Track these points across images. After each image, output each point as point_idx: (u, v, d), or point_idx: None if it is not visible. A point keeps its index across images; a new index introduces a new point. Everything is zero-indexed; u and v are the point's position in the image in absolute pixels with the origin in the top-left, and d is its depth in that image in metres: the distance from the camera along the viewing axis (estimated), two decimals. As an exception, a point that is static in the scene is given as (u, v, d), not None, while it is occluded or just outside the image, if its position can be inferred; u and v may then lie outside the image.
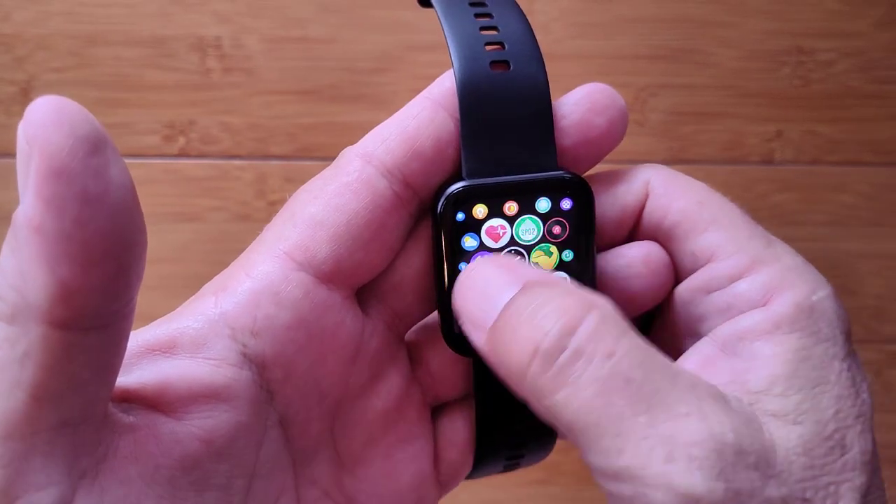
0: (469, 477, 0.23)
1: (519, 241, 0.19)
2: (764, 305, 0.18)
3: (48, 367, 0.13)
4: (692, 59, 0.50)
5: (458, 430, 0.21)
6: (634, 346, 0.15)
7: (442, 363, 0.20)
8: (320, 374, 0.18)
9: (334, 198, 0.18)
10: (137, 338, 0.17)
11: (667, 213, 0.20)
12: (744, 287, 0.18)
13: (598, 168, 0.21)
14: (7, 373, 0.13)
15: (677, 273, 0.20)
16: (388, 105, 0.49)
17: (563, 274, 0.20)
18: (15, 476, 0.14)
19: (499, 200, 0.19)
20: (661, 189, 0.20)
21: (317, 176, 0.19)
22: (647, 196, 0.20)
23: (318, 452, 0.19)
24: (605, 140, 0.19)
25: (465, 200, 0.18)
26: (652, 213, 0.20)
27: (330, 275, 0.18)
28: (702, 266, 0.19)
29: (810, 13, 0.50)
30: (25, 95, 0.49)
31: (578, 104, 0.19)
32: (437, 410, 0.21)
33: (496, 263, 0.18)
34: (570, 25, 0.47)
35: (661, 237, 0.20)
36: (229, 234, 0.50)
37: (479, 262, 0.18)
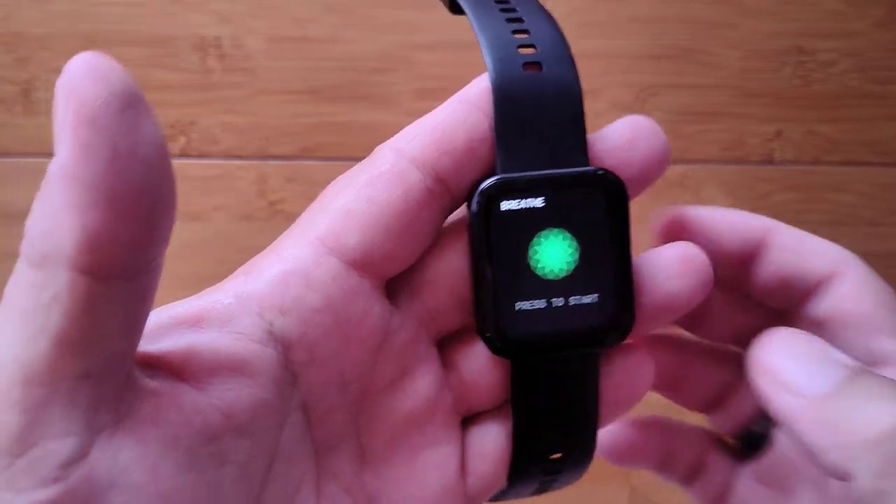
0: (503, 496, 0.22)
1: (550, 238, 0.19)
2: None
3: (73, 314, 0.14)
4: (693, 59, 0.50)
5: (489, 442, 0.21)
6: None
7: (475, 370, 0.20)
8: (345, 361, 0.18)
9: (366, 188, 0.18)
10: (166, 311, 0.17)
11: (852, 307, 0.21)
12: None
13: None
14: (33, 319, 0.14)
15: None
16: (390, 105, 0.49)
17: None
18: (33, 422, 0.14)
19: (531, 194, 0.19)
20: (853, 284, 0.21)
21: (349, 169, 0.19)
22: (833, 276, 0.21)
23: (341, 445, 0.19)
24: (648, 166, 0.20)
25: (498, 195, 0.19)
26: (836, 299, 0.21)
27: (360, 262, 0.18)
28: (875, 366, 0.20)
29: (811, 13, 0.50)
30: (27, 96, 0.49)
31: (622, 131, 0.20)
32: (467, 420, 0.21)
33: (811, 339, 0.19)
34: (574, 25, 0.47)
35: (832, 323, 0.21)
36: (231, 233, 0.50)
37: (791, 332, 0.19)
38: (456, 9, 0.22)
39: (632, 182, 0.20)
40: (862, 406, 0.17)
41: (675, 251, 0.20)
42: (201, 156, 0.50)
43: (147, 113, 0.14)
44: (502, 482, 0.21)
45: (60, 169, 0.13)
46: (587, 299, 0.19)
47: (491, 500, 0.22)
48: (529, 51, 0.19)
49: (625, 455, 0.25)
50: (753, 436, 0.23)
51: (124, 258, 0.14)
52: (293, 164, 0.50)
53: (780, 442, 0.22)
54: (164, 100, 0.49)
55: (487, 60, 0.19)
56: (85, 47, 0.50)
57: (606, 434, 0.25)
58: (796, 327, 0.21)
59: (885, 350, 0.20)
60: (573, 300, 0.19)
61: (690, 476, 0.25)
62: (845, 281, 0.21)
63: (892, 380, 0.18)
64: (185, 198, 0.50)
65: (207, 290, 0.18)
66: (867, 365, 0.20)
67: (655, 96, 0.50)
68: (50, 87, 0.50)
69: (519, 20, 0.20)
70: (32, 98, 0.50)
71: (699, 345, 0.25)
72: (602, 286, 0.19)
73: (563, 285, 0.19)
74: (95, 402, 0.14)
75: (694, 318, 0.24)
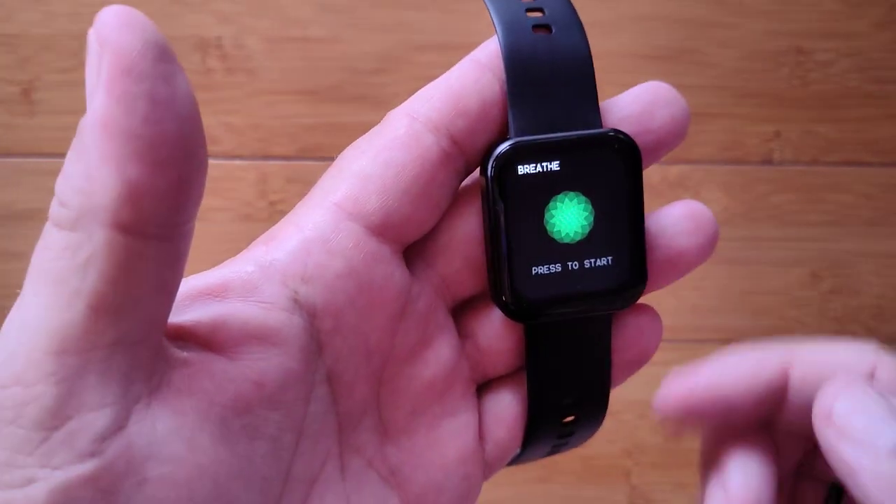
0: (517, 460, 0.22)
1: (565, 201, 0.19)
2: None
3: (110, 275, 0.13)
4: (692, 59, 0.50)
5: (505, 407, 0.21)
6: None
7: (490, 337, 0.20)
8: (368, 329, 0.18)
9: (382, 151, 0.18)
10: (189, 283, 0.17)
11: None
12: None
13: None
14: (67, 284, 0.13)
15: None
16: (389, 105, 0.49)
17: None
18: (68, 394, 0.13)
19: (547, 158, 0.19)
20: (889, 381, 0.20)
21: (363, 135, 0.20)
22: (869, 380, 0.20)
23: (364, 419, 0.19)
24: (667, 133, 0.20)
25: (514, 158, 0.19)
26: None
27: (380, 227, 0.18)
28: None
29: (809, 13, 0.50)
30: (28, 96, 0.49)
31: (641, 97, 0.20)
32: (483, 387, 0.21)
33: (876, 393, 0.18)
34: (570, 26, 0.48)
35: None
36: (232, 234, 0.50)
37: (858, 383, 0.19)
38: None
39: (648, 149, 0.20)
40: None
41: (682, 209, 0.20)
42: (202, 156, 0.50)
43: (179, 66, 0.14)
44: (518, 446, 0.21)
45: (97, 122, 0.13)
46: (602, 261, 0.19)
47: (507, 464, 0.22)
48: (537, 14, 0.20)
49: None
50: (836, 489, 0.23)
51: (162, 215, 0.14)
52: (294, 165, 0.50)
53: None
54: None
55: (497, 23, 0.19)
56: (85, 48, 0.50)
57: None
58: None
59: None
60: (588, 262, 0.19)
61: None
62: (882, 377, 0.20)
63: None
64: (186, 198, 0.50)
65: (227, 261, 0.18)
66: None
67: (655, 96, 0.50)
68: (50, 87, 0.50)
69: None
70: (33, 98, 0.50)
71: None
72: (616, 248, 0.19)
73: (579, 248, 0.19)
74: (130, 370, 0.14)
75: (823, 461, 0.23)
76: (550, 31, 0.19)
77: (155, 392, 0.15)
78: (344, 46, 0.49)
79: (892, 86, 0.51)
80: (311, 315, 0.17)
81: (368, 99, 0.49)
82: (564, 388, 0.21)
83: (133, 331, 0.14)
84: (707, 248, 0.20)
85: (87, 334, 0.14)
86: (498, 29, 0.19)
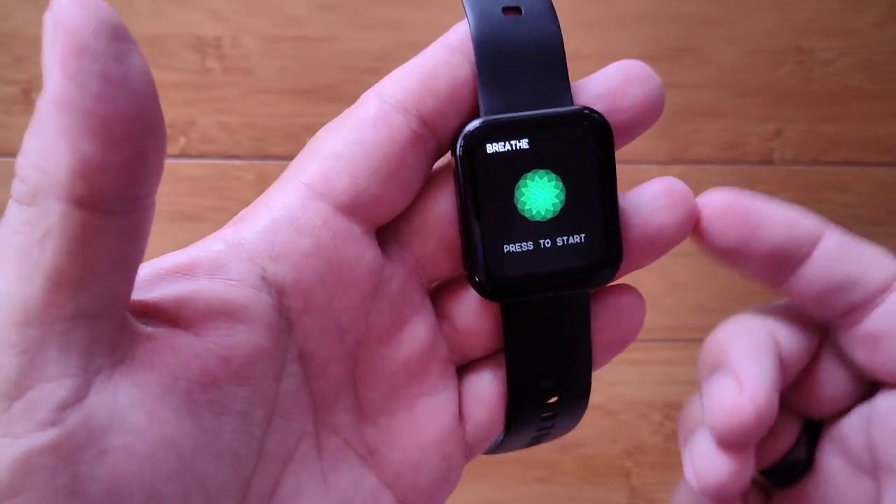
0: (500, 447, 0.22)
1: (535, 179, 0.19)
2: None
3: (67, 248, 0.14)
4: (692, 58, 0.50)
5: (485, 388, 0.21)
6: None
7: (468, 318, 0.20)
8: (340, 307, 0.18)
9: (352, 132, 0.19)
10: (156, 263, 0.17)
11: None
12: None
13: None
14: (26, 258, 0.14)
15: None
16: (387, 105, 0.49)
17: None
18: (29, 365, 0.14)
19: (516, 136, 0.19)
20: None
21: (336, 117, 0.20)
22: (887, 288, 0.20)
23: (340, 398, 0.19)
24: (640, 112, 0.20)
25: (483, 137, 0.19)
26: (894, 309, 0.20)
27: (349, 206, 0.18)
28: None
29: (809, 12, 0.50)
30: (26, 96, 0.49)
31: (614, 75, 0.20)
32: (462, 369, 0.21)
33: None
34: (568, 24, 0.47)
35: (891, 335, 0.20)
36: (229, 233, 0.50)
37: None
38: None
39: (622, 128, 0.19)
40: None
41: (660, 185, 0.20)
42: (201, 156, 0.50)
43: (134, 45, 0.14)
44: (499, 429, 0.21)
45: (52, 99, 0.13)
46: (574, 239, 0.19)
47: (489, 452, 0.22)
48: None
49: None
50: (792, 462, 0.23)
51: (117, 189, 0.14)
52: (292, 164, 0.50)
53: (822, 466, 0.22)
54: (163, 100, 0.49)
55: (466, 6, 0.19)
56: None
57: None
58: (846, 341, 0.21)
59: None
60: (560, 240, 0.19)
61: None
62: None
63: None
64: (184, 198, 0.50)
65: (198, 242, 0.18)
66: None
67: (654, 96, 0.50)
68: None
69: None
70: (32, 98, 0.49)
71: None
72: (589, 226, 0.19)
73: (551, 226, 0.19)
74: (91, 343, 0.14)
75: (806, 396, 0.24)
76: (520, 12, 0.19)
77: (117, 365, 0.15)
78: (341, 45, 0.49)
79: (892, 84, 0.51)
80: (279, 293, 0.17)
81: (367, 98, 0.49)
82: (543, 368, 0.20)
83: (93, 304, 0.14)
84: (686, 225, 0.20)
85: (48, 307, 0.14)
86: (468, 11, 0.19)
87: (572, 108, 0.19)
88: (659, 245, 0.20)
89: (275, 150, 0.50)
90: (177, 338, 0.16)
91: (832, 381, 0.22)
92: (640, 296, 0.21)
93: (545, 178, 0.19)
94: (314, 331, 0.18)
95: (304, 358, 0.18)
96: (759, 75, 0.50)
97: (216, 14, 0.49)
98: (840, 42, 0.50)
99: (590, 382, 0.21)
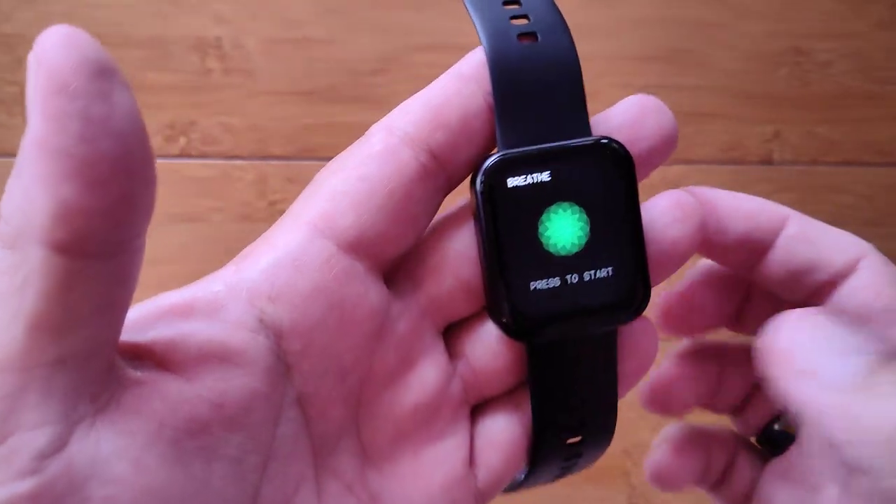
0: (522, 485, 0.22)
1: (559, 213, 0.19)
2: None
3: (47, 294, 0.13)
4: (691, 60, 0.50)
5: (500, 431, 0.20)
6: None
7: (486, 356, 0.20)
8: (342, 348, 0.18)
9: (357, 167, 0.18)
10: (154, 302, 0.17)
11: (872, 299, 0.20)
12: None
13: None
14: (8, 303, 0.13)
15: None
16: (387, 106, 0.49)
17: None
18: (8, 412, 0.13)
19: (537, 169, 0.18)
20: (871, 275, 0.20)
21: (343, 151, 0.19)
22: (850, 268, 0.21)
23: (341, 441, 0.19)
24: (657, 144, 0.19)
25: (503, 171, 0.18)
26: (854, 290, 0.21)
27: (353, 244, 0.18)
28: None
29: (808, 14, 0.50)
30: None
31: (628, 109, 0.19)
32: (476, 409, 0.20)
33: (832, 321, 0.18)
34: (572, 27, 0.47)
35: (854, 313, 0.20)
36: (230, 234, 0.50)
37: (808, 313, 0.18)
38: None
39: (640, 160, 0.19)
40: (885, 400, 0.16)
41: (669, 199, 0.20)
42: (201, 156, 0.50)
43: (120, 83, 0.13)
44: (514, 473, 0.21)
45: (32, 141, 0.13)
46: (602, 273, 0.19)
47: (509, 490, 0.22)
48: (522, 21, 0.19)
49: (671, 480, 0.25)
50: (776, 434, 0.23)
51: (100, 234, 0.13)
52: (293, 165, 0.50)
53: (805, 438, 0.22)
54: (165, 101, 0.49)
55: (481, 33, 0.19)
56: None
57: (650, 463, 0.25)
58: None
59: None
60: (588, 275, 0.19)
61: (720, 481, 0.25)
62: (863, 273, 0.20)
63: None
64: (185, 198, 0.50)
65: (199, 280, 0.18)
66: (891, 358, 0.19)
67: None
68: (49, 87, 0.50)
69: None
70: (32, 99, 0.49)
71: (733, 348, 0.24)
72: (616, 258, 0.19)
73: (577, 261, 0.19)
74: (73, 390, 0.14)
75: (734, 317, 0.24)
76: (536, 38, 0.19)
77: (102, 411, 0.15)
78: (342, 47, 0.49)
79: (891, 86, 0.51)
80: (277, 335, 0.17)
81: (367, 99, 0.49)
82: (569, 407, 0.20)
83: (77, 350, 0.14)
84: (698, 236, 0.20)
85: (28, 353, 0.13)
86: (483, 38, 0.19)
87: (593, 138, 0.19)
88: (675, 259, 0.20)
89: (276, 151, 0.50)
90: (166, 382, 0.16)
91: None
92: (650, 322, 0.21)
93: (569, 211, 0.19)
94: (314, 373, 0.18)
95: (304, 401, 0.18)
96: (758, 77, 0.50)
97: (220, 17, 0.49)
98: (839, 44, 0.50)
99: (615, 418, 0.21)
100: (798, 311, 0.19)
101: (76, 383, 0.14)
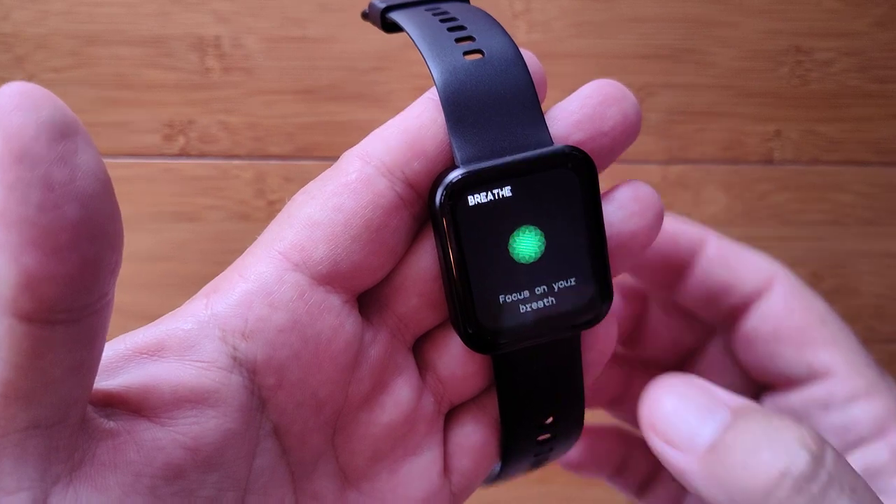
0: (497, 479, 0.22)
1: (521, 224, 0.19)
2: (880, 435, 0.19)
3: (15, 363, 0.13)
4: (690, 59, 0.50)
5: (468, 435, 0.20)
6: (864, 484, 0.16)
7: (453, 365, 0.20)
8: (317, 382, 0.18)
9: (332, 197, 0.18)
10: (125, 341, 0.17)
11: (785, 320, 0.21)
12: (859, 413, 0.19)
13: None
14: None
15: (778, 377, 0.21)
16: (387, 104, 0.49)
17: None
18: None
19: (498, 185, 0.18)
20: (784, 296, 0.21)
21: (316, 178, 0.19)
22: (762, 290, 0.21)
23: (319, 465, 0.19)
24: (620, 133, 0.19)
25: (462, 189, 0.18)
26: (768, 312, 0.21)
27: (327, 276, 0.17)
28: (817, 380, 0.20)
29: (809, 13, 0.50)
30: (25, 95, 0.49)
31: (589, 97, 0.19)
32: (447, 416, 0.21)
33: (691, 384, 0.19)
34: (569, 24, 0.47)
35: (765, 337, 0.21)
36: (228, 233, 0.50)
37: (671, 381, 0.19)
38: (390, 27, 0.22)
39: (603, 153, 0.19)
40: (745, 456, 0.17)
41: (628, 192, 0.19)
42: (200, 155, 0.50)
43: (84, 142, 0.13)
44: (486, 473, 0.21)
45: None
46: (567, 283, 0.19)
47: (487, 484, 0.22)
48: (468, 42, 0.19)
49: (582, 462, 0.26)
50: None
51: (66, 300, 0.13)
52: (291, 164, 0.50)
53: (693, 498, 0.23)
54: (163, 99, 0.49)
55: (427, 58, 0.19)
56: (83, 46, 0.50)
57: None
58: (731, 343, 0.21)
59: (821, 362, 0.20)
60: (554, 285, 0.19)
61: (644, 488, 0.26)
62: (774, 295, 0.21)
63: (776, 414, 0.18)
64: (183, 197, 0.50)
65: (167, 315, 0.17)
66: (806, 379, 0.20)
67: (652, 96, 0.50)
68: (46, 86, 0.50)
69: (452, 19, 0.20)
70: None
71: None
72: (578, 268, 0.19)
73: (541, 272, 0.19)
74: (48, 453, 0.14)
75: (633, 334, 0.24)
76: (483, 53, 0.19)
77: (77, 469, 0.14)
78: (342, 46, 0.49)
79: (892, 85, 0.51)
80: (251, 372, 0.17)
81: (366, 98, 0.49)
82: (538, 406, 0.20)
83: (48, 413, 0.14)
84: (656, 228, 0.20)
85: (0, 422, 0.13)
86: (429, 62, 0.19)
87: (553, 148, 0.18)
88: (635, 251, 0.20)
89: (274, 150, 0.50)
90: (140, 431, 0.15)
91: (728, 385, 0.23)
92: (611, 314, 0.21)
93: (533, 226, 0.19)
94: (289, 406, 0.17)
95: (280, 431, 0.18)
96: (758, 75, 0.50)
97: (220, 15, 0.49)
98: (840, 43, 0.50)
99: (583, 411, 0.21)
100: (661, 378, 0.20)
101: (50, 445, 0.14)
